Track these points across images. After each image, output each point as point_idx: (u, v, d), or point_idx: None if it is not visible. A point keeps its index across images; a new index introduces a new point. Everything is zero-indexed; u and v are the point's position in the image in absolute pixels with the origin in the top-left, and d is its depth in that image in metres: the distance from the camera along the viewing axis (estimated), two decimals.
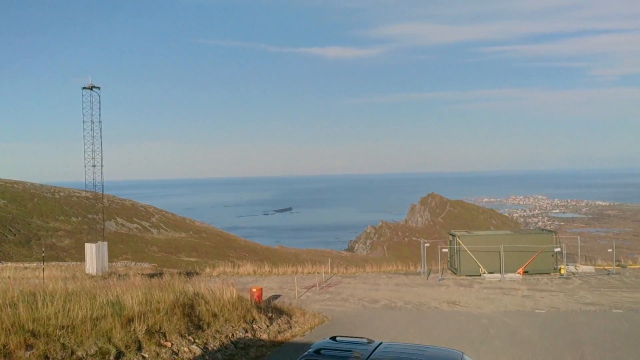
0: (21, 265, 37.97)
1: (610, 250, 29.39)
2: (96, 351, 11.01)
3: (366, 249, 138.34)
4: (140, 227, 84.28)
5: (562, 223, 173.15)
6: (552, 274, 27.68)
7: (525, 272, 27.47)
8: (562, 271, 27.46)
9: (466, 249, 27.79)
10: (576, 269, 28.13)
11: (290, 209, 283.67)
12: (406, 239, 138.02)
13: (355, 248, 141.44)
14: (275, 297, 22.92)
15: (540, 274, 27.52)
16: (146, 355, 11.72)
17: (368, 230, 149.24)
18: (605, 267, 29.10)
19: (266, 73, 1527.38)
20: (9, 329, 10.53)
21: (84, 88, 30.15)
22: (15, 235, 63.81)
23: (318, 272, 29.02)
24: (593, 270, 28.13)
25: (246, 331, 15.07)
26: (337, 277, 28.90)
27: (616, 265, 28.87)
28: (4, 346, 10.09)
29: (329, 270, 30.52)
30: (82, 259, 35.66)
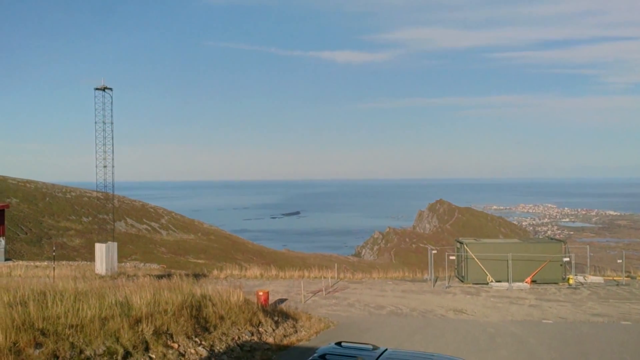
0: (32, 263, 38.34)
1: (620, 260, 29.13)
2: (104, 351, 11.15)
3: (373, 254, 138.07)
4: (149, 228, 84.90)
5: (571, 232, 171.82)
6: (561, 283, 27.49)
7: (533, 282, 27.31)
8: (571, 281, 27.26)
9: (474, 256, 27.69)
10: (585, 280, 27.92)
11: (298, 212, 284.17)
12: (413, 246, 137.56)
13: (362, 253, 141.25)
14: (282, 300, 23.00)
15: (548, 283, 27.34)
16: (153, 356, 11.84)
17: (375, 236, 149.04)
18: (615, 278, 28.84)
19: (276, 76, 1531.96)
20: (20, 327, 10.68)
21: (97, 89, 30.36)
22: (26, 233, 64.60)
23: (325, 277, 29.06)
24: (602, 281, 27.89)
25: (252, 334, 15.16)
26: (343, 283, 28.93)
27: (626, 277, 28.61)
28: (14, 344, 10.24)
29: (336, 275, 30.54)
30: (92, 258, 36.00)
